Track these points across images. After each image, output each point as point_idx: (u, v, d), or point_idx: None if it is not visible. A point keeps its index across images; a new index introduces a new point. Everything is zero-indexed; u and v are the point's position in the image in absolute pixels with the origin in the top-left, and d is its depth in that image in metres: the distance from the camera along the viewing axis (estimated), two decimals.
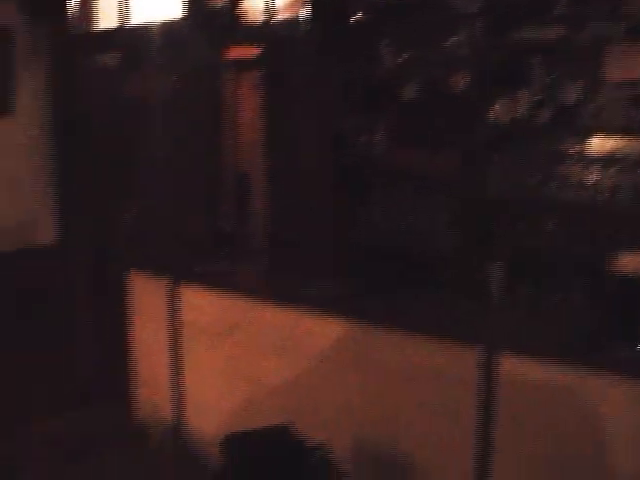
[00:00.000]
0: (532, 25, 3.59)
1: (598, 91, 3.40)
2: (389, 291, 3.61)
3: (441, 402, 2.96)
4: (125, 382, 4.21)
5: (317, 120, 4.33)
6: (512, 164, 3.84)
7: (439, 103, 4.05)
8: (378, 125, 4.37)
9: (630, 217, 3.29)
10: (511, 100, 3.79)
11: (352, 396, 3.20)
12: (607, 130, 3.42)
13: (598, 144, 3.40)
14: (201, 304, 3.72)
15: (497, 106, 3.81)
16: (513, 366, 2.77)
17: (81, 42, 4.90)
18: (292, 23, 4.33)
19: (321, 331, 3.28)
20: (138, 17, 4.59)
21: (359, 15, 4.34)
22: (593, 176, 3.50)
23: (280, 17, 4.34)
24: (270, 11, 4.32)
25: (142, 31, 4.52)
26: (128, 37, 4.61)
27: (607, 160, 3.39)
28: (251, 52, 4.57)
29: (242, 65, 4.62)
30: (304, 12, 4.26)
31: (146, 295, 4.05)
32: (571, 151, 3.62)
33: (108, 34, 4.77)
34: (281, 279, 3.74)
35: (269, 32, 4.37)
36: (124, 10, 4.58)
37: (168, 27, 4.44)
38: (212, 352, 3.68)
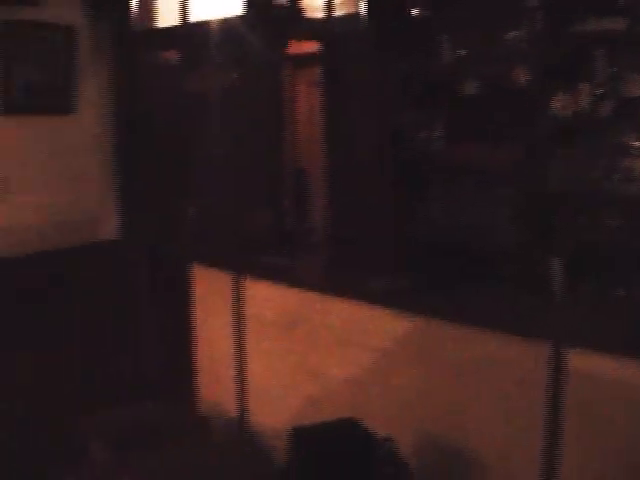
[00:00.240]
0: (594, 17, 3.55)
1: None
2: (450, 286, 3.61)
3: (505, 397, 2.96)
4: (188, 375, 4.26)
5: (376, 116, 4.34)
6: (574, 158, 3.82)
7: (500, 97, 4.03)
8: (437, 120, 4.36)
9: None
10: (573, 93, 3.76)
11: (415, 390, 3.21)
12: None
13: None
14: (265, 298, 3.75)
15: (559, 99, 3.78)
16: (577, 361, 2.76)
17: (142, 40, 4.96)
18: (350, 19, 4.34)
19: (383, 325, 3.29)
20: (198, 14, 4.63)
21: (418, 10, 4.34)
22: None
23: (339, 13, 4.35)
24: (329, 7, 4.33)
25: (203, 28, 4.56)
26: (189, 34, 4.66)
27: None
28: (310, 48, 4.59)
29: (301, 61, 4.64)
30: (362, 8, 4.26)
31: (209, 290, 4.10)
32: (633, 144, 3.58)
33: (169, 31, 4.82)
34: (342, 274, 3.75)
35: (328, 28, 4.38)
36: (185, 7, 4.63)
37: (228, 24, 4.48)
38: (276, 346, 3.72)
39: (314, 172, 4.91)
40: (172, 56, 4.95)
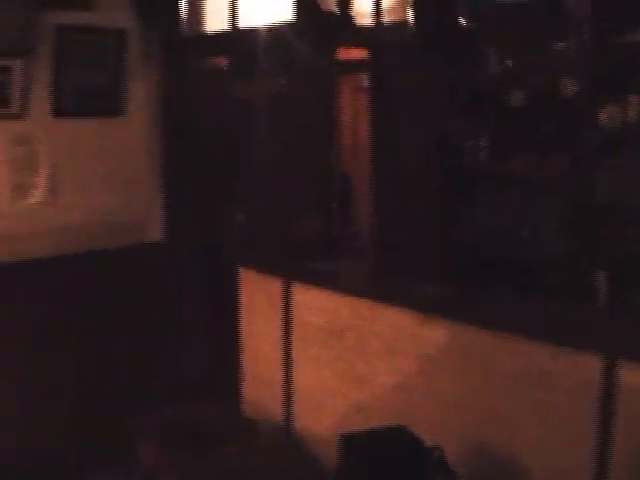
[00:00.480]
0: None
1: None
2: (496, 295, 3.63)
3: (554, 407, 2.97)
4: (235, 379, 4.30)
5: (422, 123, 4.36)
6: (621, 169, 3.82)
7: (547, 108, 4.04)
8: (484, 129, 4.38)
9: None
10: (621, 104, 3.76)
11: (462, 399, 3.23)
12: None
13: None
14: (313, 304, 3.78)
15: (607, 110, 3.78)
16: (627, 373, 2.77)
17: (191, 45, 5.02)
18: (398, 26, 4.36)
19: (431, 333, 3.31)
20: (247, 20, 4.68)
21: (465, 19, 4.35)
22: None
23: (387, 20, 4.38)
24: (377, 14, 4.36)
25: (251, 34, 4.61)
26: (238, 40, 4.70)
27: None
28: (356, 54, 4.63)
29: (349, 67, 4.67)
30: (410, 15, 4.28)
31: (257, 294, 4.14)
32: None
33: (218, 37, 4.88)
34: (390, 280, 3.78)
35: (376, 35, 4.41)
36: (234, 13, 4.68)
37: (277, 30, 4.52)
38: (323, 352, 3.75)
39: (357, 177, 4.94)
40: (220, 62, 4.99)
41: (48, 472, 4.62)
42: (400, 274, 3.87)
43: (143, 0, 4.84)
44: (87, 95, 4.74)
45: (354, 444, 2.88)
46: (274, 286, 3.98)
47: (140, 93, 4.94)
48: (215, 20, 4.90)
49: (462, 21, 4.32)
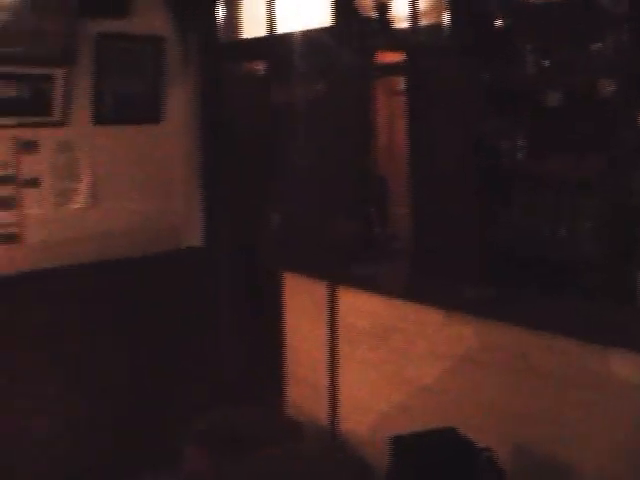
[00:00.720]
0: None
1: None
2: (534, 295, 3.64)
3: (602, 407, 2.99)
4: (279, 382, 4.34)
5: (459, 125, 4.38)
6: None
7: (584, 108, 4.04)
8: (520, 130, 4.39)
9: None
10: None
11: (509, 400, 3.25)
12: None
13: None
14: (358, 307, 3.82)
15: None
16: None
17: (228, 50, 5.06)
18: (434, 29, 4.39)
19: (474, 334, 3.33)
20: (284, 25, 4.72)
21: (502, 19, 4.37)
22: None
23: (423, 23, 4.40)
24: (413, 17, 4.38)
25: (289, 39, 4.65)
26: (275, 45, 4.74)
27: None
28: (391, 57, 4.65)
29: (386, 71, 4.70)
30: (446, 18, 4.31)
31: (299, 296, 4.18)
32: None
33: (255, 43, 4.92)
34: (430, 282, 3.80)
35: (412, 38, 4.44)
36: (271, 19, 4.72)
37: (314, 35, 4.56)
38: (369, 355, 3.78)
39: (393, 180, 4.96)
40: (257, 67, 5.04)
41: (95, 473, 4.66)
42: (439, 276, 3.89)
43: (180, 7, 4.88)
44: (126, 102, 4.81)
45: (405, 446, 2.91)
46: (318, 289, 4.01)
47: (178, 99, 5.00)
48: (252, 25, 4.94)
49: (498, 22, 4.33)
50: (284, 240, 4.72)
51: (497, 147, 4.43)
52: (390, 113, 5.09)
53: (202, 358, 5.12)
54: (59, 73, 4.50)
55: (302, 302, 4.18)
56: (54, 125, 4.57)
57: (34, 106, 4.50)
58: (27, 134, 4.51)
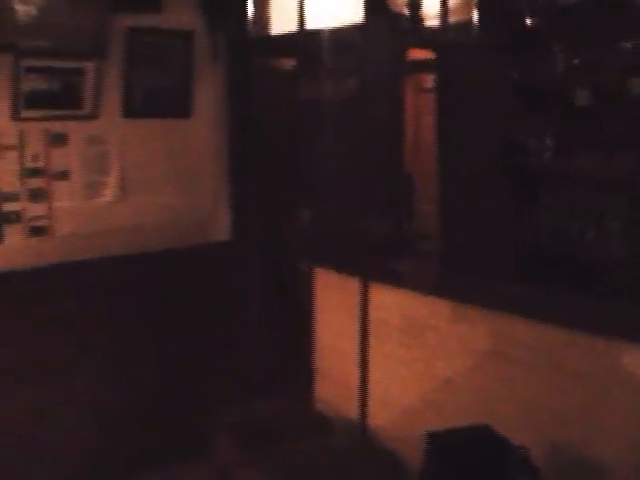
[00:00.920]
0: None
1: None
2: (563, 294, 3.64)
3: (635, 406, 2.99)
4: (308, 376, 4.36)
5: (487, 123, 4.38)
6: None
7: (613, 107, 4.04)
8: (550, 128, 4.38)
9: None
10: None
11: (543, 398, 3.26)
12: None
13: None
14: (390, 303, 3.83)
15: None
16: None
17: (258, 46, 5.07)
18: (464, 26, 4.39)
19: (512, 333, 3.34)
20: (314, 22, 4.72)
21: (531, 17, 4.36)
22: None
23: (453, 20, 4.40)
24: (443, 15, 4.38)
25: (319, 35, 4.65)
26: (305, 41, 4.75)
27: None
28: (423, 55, 4.66)
29: (416, 68, 4.70)
30: (476, 15, 4.30)
31: (330, 291, 4.19)
32: None
33: (285, 38, 4.93)
34: (462, 280, 3.81)
35: (443, 35, 4.44)
36: (301, 15, 4.73)
37: (345, 32, 4.56)
38: (400, 351, 3.79)
39: (420, 177, 4.97)
40: (287, 63, 5.05)
41: (122, 464, 4.69)
42: (470, 273, 3.89)
43: (210, 2, 4.89)
44: (156, 96, 4.82)
45: (440, 442, 2.92)
46: (348, 284, 4.02)
47: (207, 94, 5.01)
48: (281, 21, 4.95)
49: (527, 20, 4.32)
50: (314, 236, 4.72)
51: (526, 145, 4.43)
52: (417, 110, 5.08)
53: (229, 351, 5.14)
54: (90, 66, 4.52)
55: (332, 297, 4.19)
56: (84, 118, 4.58)
57: (65, 99, 4.52)
58: (57, 127, 4.52)
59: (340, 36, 4.55)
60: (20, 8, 4.17)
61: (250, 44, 5.06)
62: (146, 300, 4.81)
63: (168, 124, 4.89)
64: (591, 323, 3.17)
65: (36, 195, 4.46)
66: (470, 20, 4.25)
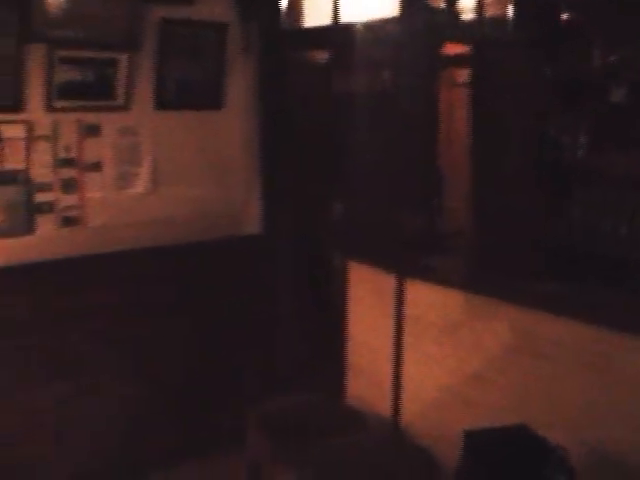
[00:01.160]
0: None
1: None
2: (597, 291, 3.62)
3: None
4: (340, 371, 4.35)
5: (522, 118, 4.35)
6: None
7: None
8: (584, 125, 4.35)
9: None
10: None
11: (581, 399, 3.24)
12: None
13: None
14: (424, 299, 3.81)
15: None
16: None
17: (291, 38, 5.05)
18: (500, 21, 4.35)
19: (548, 331, 3.31)
20: (348, 14, 4.70)
21: (568, 12, 4.32)
22: None
23: (489, 14, 4.36)
24: (479, 8, 4.35)
25: (353, 28, 4.63)
26: (338, 34, 4.73)
27: None
28: (459, 50, 4.62)
29: (451, 62, 4.67)
30: (512, 10, 4.27)
31: (363, 286, 4.18)
32: None
33: (318, 31, 4.91)
34: (496, 277, 3.78)
35: (479, 30, 4.40)
36: (336, 7, 4.70)
37: (378, 25, 4.54)
38: (434, 347, 3.77)
39: (450, 172, 4.94)
40: (320, 56, 5.03)
41: (150, 457, 4.71)
42: (504, 270, 3.87)
43: None
44: (188, 88, 4.81)
45: (477, 442, 2.90)
46: (383, 279, 4.01)
47: (239, 86, 5.00)
48: (315, 14, 4.93)
49: (564, 14, 4.29)
50: (347, 229, 4.71)
51: (560, 141, 4.40)
52: (449, 105, 5.05)
53: (259, 345, 5.14)
54: (123, 57, 4.51)
55: (366, 292, 4.18)
56: (117, 109, 4.58)
57: (98, 90, 4.52)
58: (90, 118, 4.53)
59: (375, 29, 4.52)
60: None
61: (283, 36, 5.04)
62: (176, 292, 4.83)
63: (200, 116, 4.88)
64: (625, 320, 3.13)
65: (68, 186, 4.47)
66: (506, 14, 4.20)
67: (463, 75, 4.66)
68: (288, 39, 5.07)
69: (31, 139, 4.31)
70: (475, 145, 4.44)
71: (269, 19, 5.02)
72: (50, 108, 4.34)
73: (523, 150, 4.33)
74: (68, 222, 4.49)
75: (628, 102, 4.15)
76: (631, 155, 4.05)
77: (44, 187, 4.39)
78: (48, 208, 4.41)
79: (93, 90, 4.50)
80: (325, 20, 4.78)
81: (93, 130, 4.54)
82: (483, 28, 4.40)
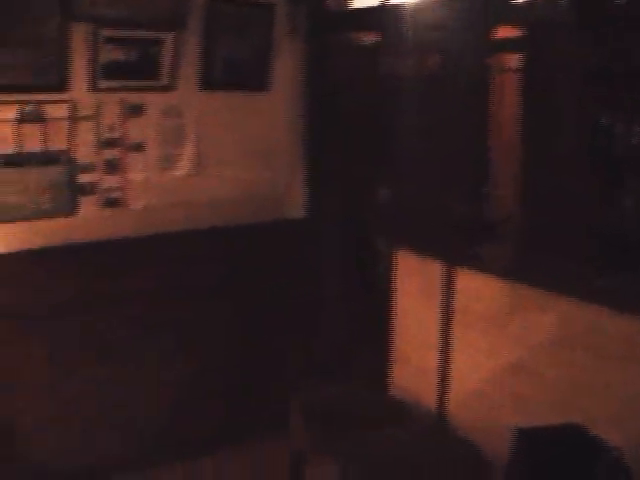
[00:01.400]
0: None
1: None
2: None
3: None
4: (384, 360, 4.28)
5: (576, 105, 4.24)
6: None
7: None
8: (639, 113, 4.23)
9: None
10: None
11: (633, 394, 3.14)
12: None
13: None
14: (474, 289, 3.72)
15: None
16: None
17: (338, 20, 4.96)
18: (553, 2, 4.23)
19: (604, 325, 3.21)
20: None
21: None
22: None
23: None
24: None
25: (401, 10, 4.52)
26: (387, 16, 4.62)
27: None
28: (512, 33, 4.51)
29: (502, 47, 4.56)
30: None
31: (410, 274, 4.09)
32: None
33: (366, 12, 4.80)
34: (558, 270, 3.67)
35: (532, 12, 4.29)
36: None
37: (427, 6, 4.43)
38: (483, 340, 3.69)
39: (499, 158, 4.83)
40: (367, 38, 4.93)
41: (192, 441, 4.69)
42: (554, 260, 3.77)
43: None
44: (234, 69, 4.75)
45: (529, 440, 2.83)
46: (430, 268, 3.92)
47: (285, 67, 4.92)
48: None
49: None
50: (393, 214, 4.62)
51: (613, 129, 4.29)
52: (499, 90, 4.94)
53: (302, 329, 5.09)
54: (168, 37, 4.45)
55: (412, 280, 4.10)
56: (161, 90, 4.53)
57: (142, 70, 4.47)
58: (134, 98, 4.48)
59: (424, 11, 4.41)
60: None
61: (330, 17, 4.94)
62: (218, 276, 4.78)
63: (245, 97, 4.83)
64: None
65: (111, 166, 4.43)
66: None
67: (514, 59, 4.54)
68: (335, 20, 4.96)
69: (75, 119, 4.27)
70: (527, 131, 4.34)
71: (315, 0, 4.90)
72: (94, 88, 4.30)
73: (576, 137, 4.22)
74: (110, 203, 4.46)
75: None
76: None
77: (87, 168, 4.36)
78: (90, 189, 4.37)
79: (137, 70, 4.46)
80: (373, 1, 4.66)
81: (137, 110, 4.49)
82: (536, 10, 4.27)
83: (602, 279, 3.45)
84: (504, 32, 4.54)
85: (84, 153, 4.33)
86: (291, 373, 4.90)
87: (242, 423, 4.87)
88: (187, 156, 4.63)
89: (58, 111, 4.20)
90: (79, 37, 4.17)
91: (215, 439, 4.78)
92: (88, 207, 4.37)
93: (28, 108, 4.11)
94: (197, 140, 4.66)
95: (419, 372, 4.02)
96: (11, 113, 4.07)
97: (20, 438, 4.26)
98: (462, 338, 3.78)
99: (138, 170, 4.52)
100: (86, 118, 4.31)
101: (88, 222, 4.36)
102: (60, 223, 4.28)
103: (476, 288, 3.68)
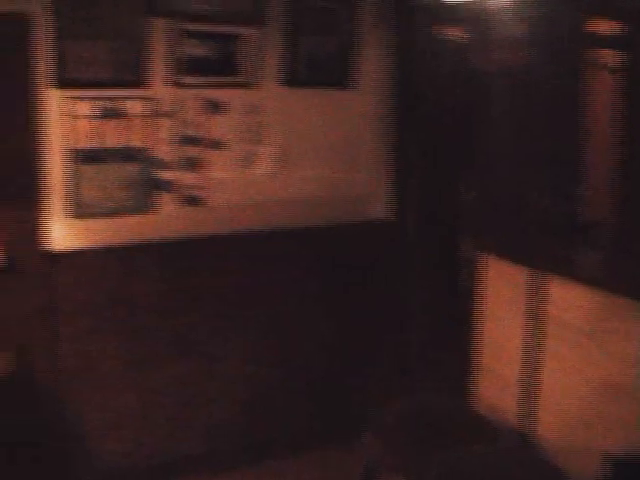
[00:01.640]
0: None
1: None
2: None
3: None
4: (465, 370, 4.10)
5: None
6: None
7: None
8: None
9: None
10: None
11: None
12: None
13: None
14: (565, 298, 3.49)
15: None
16: None
17: (425, 14, 4.78)
18: None
19: None
20: None
21: None
22: None
23: None
24: None
25: (492, 4, 4.34)
26: (477, 10, 4.44)
27: None
28: (610, 28, 4.28)
29: (599, 43, 4.33)
30: None
31: (498, 281, 3.89)
32: None
33: (454, 6, 4.62)
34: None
35: (632, 6, 4.05)
36: None
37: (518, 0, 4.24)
38: (572, 352, 3.47)
39: (594, 160, 4.62)
40: (456, 32, 4.74)
41: (275, 440, 4.71)
42: None
43: None
44: (317, 65, 4.62)
45: (620, 467, 2.61)
46: (517, 274, 3.71)
47: (369, 64, 4.78)
48: None
49: None
50: (480, 217, 4.44)
51: None
52: (593, 89, 4.71)
53: (385, 336, 4.97)
54: (249, 33, 4.36)
55: (498, 287, 3.89)
56: (242, 86, 4.44)
57: (223, 66, 4.39)
58: (215, 95, 4.39)
59: (515, 5, 4.21)
60: None
61: (418, 11, 4.76)
62: (298, 277, 4.69)
63: (329, 94, 4.69)
64: None
65: (191, 164, 4.34)
66: None
67: (610, 57, 4.31)
68: (422, 14, 4.78)
69: (154, 115, 4.20)
70: (626, 133, 4.11)
71: None
72: (174, 84, 4.23)
73: None
74: (189, 201, 4.38)
75: None
76: None
77: (166, 165, 4.28)
78: (170, 187, 4.30)
79: (218, 66, 4.37)
80: None
81: (217, 107, 4.40)
82: (636, 3, 4.04)
83: None
84: (601, 26, 4.31)
85: (163, 150, 4.25)
86: (373, 378, 4.77)
87: (321, 426, 4.75)
88: (268, 155, 4.52)
89: (138, 107, 4.14)
90: (159, 32, 4.10)
91: (291, 442, 4.72)
92: (167, 205, 4.32)
93: (109, 104, 4.06)
94: (279, 138, 4.53)
95: (503, 385, 3.82)
96: (92, 109, 3.99)
97: (96, 435, 4.23)
98: (550, 351, 3.57)
99: (218, 168, 4.43)
100: (166, 114, 4.23)
101: (167, 220, 4.30)
102: (138, 221, 4.23)
103: (566, 296, 3.45)
